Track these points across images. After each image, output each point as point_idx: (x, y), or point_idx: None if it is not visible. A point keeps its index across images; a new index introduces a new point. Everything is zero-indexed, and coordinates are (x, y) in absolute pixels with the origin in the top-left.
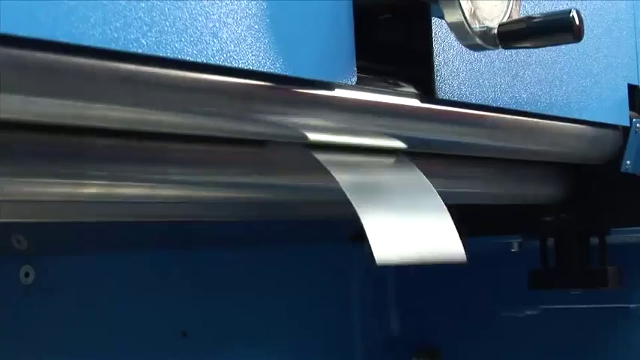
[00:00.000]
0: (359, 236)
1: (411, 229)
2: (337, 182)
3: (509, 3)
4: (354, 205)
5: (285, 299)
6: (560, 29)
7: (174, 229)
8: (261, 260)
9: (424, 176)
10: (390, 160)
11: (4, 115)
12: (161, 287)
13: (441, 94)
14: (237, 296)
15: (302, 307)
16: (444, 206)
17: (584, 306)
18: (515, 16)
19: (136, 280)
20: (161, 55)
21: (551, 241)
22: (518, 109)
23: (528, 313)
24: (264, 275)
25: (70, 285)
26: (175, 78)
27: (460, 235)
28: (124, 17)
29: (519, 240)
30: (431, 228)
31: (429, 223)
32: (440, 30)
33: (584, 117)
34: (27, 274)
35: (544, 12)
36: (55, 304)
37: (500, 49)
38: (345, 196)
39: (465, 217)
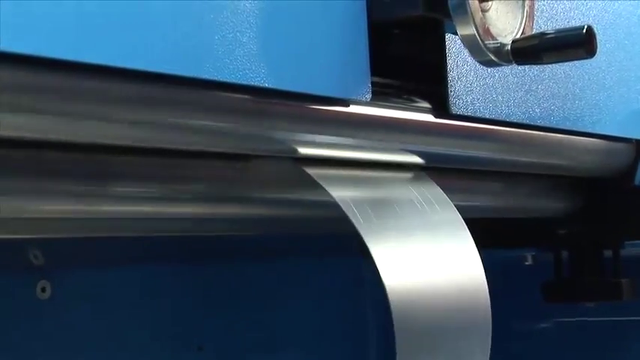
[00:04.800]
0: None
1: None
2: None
3: (522, 19)
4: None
5: (299, 313)
6: (574, 45)
7: (191, 243)
8: (275, 274)
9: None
10: (406, 175)
11: (18, 134)
12: (177, 301)
13: (454, 110)
14: (252, 310)
15: (316, 321)
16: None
17: (599, 319)
18: (528, 33)
19: (152, 294)
20: (178, 74)
21: (565, 254)
22: (532, 123)
23: (542, 326)
24: (278, 289)
25: (87, 300)
26: (192, 96)
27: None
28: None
29: (533, 253)
30: (449, 252)
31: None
32: (453, 45)
33: (597, 131)
34: (43, 289)
35: (557, 28)
36: (71, 319)
37: (514, 65)
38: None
39: (479, 231)
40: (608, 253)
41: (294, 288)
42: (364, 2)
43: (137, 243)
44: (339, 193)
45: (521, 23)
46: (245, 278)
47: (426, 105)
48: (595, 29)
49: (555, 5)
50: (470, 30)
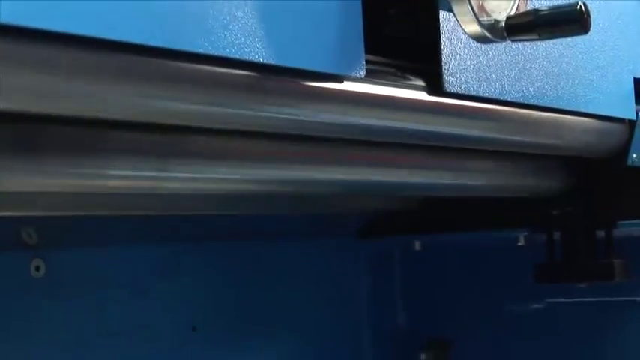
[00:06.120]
0: (366, 231)
1: None
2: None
3: None
4: None
5: (293, 293)
6: (568, 21)
7: (185, 223)
8: (270, 254)
9: None
10: None
11: (17, 107)
12: (172, 281)
13: (448, 87)
14: (247, 290)
15: (311, 301)
16: None
17: (591, 299)
18: (522, 9)
19: (147, 273)
20: (174, 47)
21: (557, 235)
22: (525, 102)
23: (535, 306)
24: (273, 269)
25: (81, 278)
26: (188, 70)
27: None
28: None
29: (526, 234)
30: None
31: None
32: (447, 24)
33: (590, 110)
34: (38, 268)
35: (551, 5)
36: (65, 298)
37: (507, 42)
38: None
39: (473, 212)
40: (600, 234)
41: (289, 269)
42: None
43: (131, 223)
44: None
45: (515, 0)
46: (240, 259)
47: (420, 83)
48: (589, 7)
49: None
50: (464, 7)
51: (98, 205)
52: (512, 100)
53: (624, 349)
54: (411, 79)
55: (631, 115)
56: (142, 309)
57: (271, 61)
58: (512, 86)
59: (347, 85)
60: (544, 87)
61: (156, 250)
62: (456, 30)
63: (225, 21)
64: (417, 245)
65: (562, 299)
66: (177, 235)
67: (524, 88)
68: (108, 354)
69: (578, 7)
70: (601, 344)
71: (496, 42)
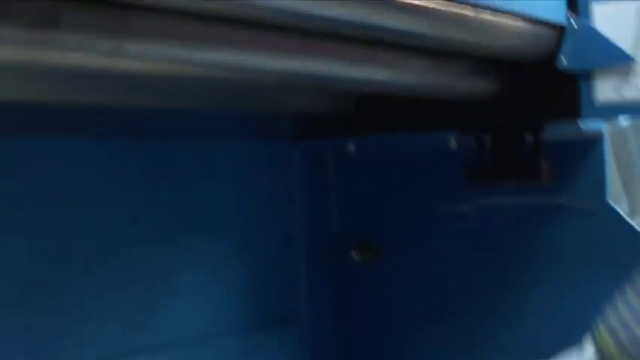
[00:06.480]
0: (298, 133)
1: None
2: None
3: None
4: None
5: (226, 193)
6: None
7: (129, 118)
8: (209, 153)
9: None
10: None
11: None
12: (113, 174)
13: None
14: (185, 187)
15: (246, 202)
16: None
17: (519, 202)
18: None
19: (89, 165)
20: None
21: (487, 138)
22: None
23: (464, 209)
24: (212, 168)
25: (22, 168)
26: None
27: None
28: None
29: (456, 136)
30: None
31: None
32: None
33: (522, 12)
34: None
35: None
36: (6, 188)
37: None
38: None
39: (406, 114)
40: (529, 138)
41: (222, 169)
42: None
43: (76, 115)
44: None
45: None
46: (180, 156)
47: None
48: None
49: None
50: None
51: (37, 90)
52: None
53: (549, 251)
54: None
55: (562, 20)
56: (83, 199)
57: None
58: None
59: None
60: None
61: (99, 144)
62: None
63: None
64: (351, 147)
65: (491, 203)
66: (122, 129)
67: None
68: (45, 245)
69: None
70: (527, 246)
71: None
